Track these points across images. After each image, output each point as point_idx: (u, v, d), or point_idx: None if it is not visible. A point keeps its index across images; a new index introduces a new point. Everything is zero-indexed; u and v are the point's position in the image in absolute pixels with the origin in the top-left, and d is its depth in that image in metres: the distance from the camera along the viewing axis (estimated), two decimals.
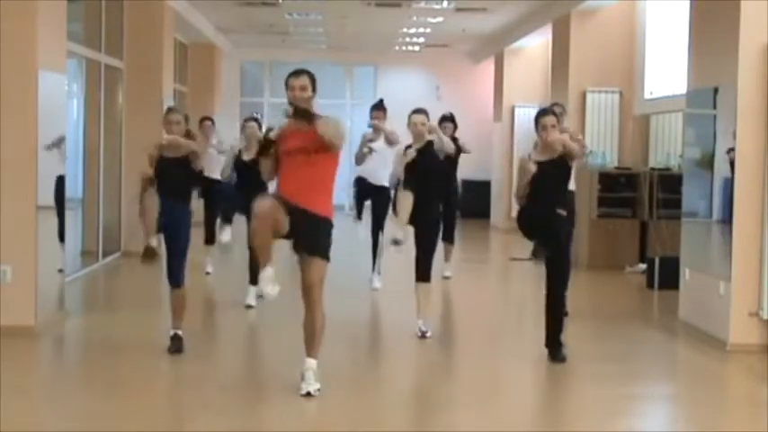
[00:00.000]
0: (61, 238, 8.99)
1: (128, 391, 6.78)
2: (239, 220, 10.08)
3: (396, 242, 8.70)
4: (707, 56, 9.04)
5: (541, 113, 7.82)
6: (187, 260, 7.83)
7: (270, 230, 6.37)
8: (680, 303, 9.34)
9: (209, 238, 12.03)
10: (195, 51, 19.44)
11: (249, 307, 9.71)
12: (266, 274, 6.42)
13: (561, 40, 14.74)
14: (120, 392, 6.70)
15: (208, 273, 12.05)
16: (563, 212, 7.74)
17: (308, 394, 6.39)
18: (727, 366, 7.98)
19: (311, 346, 6.50)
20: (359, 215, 11.45)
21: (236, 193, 10.07)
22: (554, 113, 7.86)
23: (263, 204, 6.38)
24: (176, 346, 7.68)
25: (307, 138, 6.45)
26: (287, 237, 6.48)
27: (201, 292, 10.82)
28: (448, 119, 11.88)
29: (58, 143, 8.85)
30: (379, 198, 10.98)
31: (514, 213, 8.20)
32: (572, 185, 9.29)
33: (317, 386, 6.45)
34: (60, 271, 9.01)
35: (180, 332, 7.75)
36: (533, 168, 7.59)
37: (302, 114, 6.48)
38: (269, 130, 6.71)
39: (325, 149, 6.46)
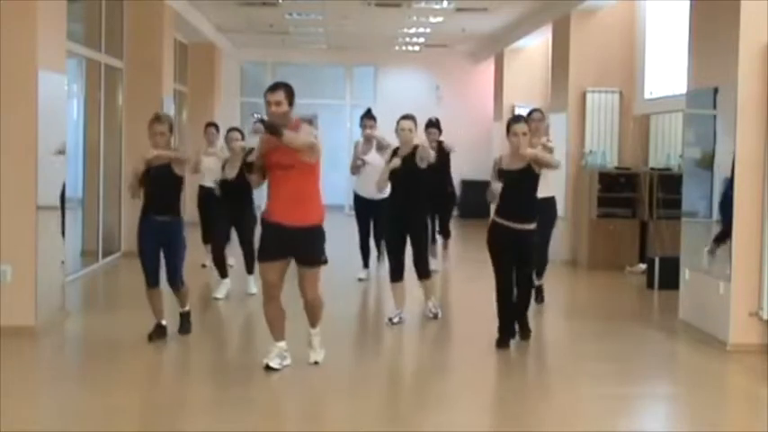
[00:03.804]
0: (62, 234, 9.02)
1: (128, 390, 6.79)
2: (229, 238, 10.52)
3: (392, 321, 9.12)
4: (707, 56, 9.04)
5: (514, 120, 8.08)
6: (184, 264, 8.08)
7: (279, 303, 7.02)
8: (680, 303, 9.35)
9: (206, 238, 12.18)
10: (195, 51, 19.43)
11: (216, 299, 10.21)
12: (278, 349, 7.09)
13: (561, 40, 14.73)
14: (120, 392, 6.70)
15: (204, 266, 12.15)
16: (531, 226, 7.98)
17: (316, 363, 7.09)
18: (727, 366, 7.98)
19: (313, 320, 7.22)
20: (365, 263, 11.66)
21: (224, 219, 10.21)
22: (526, 122, 8.11)
23: (270, 281, 6.96)
24: (185, 325, 8.02)
25: (284, 152, 6.75)
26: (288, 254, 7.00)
27: (199, 287, 10.84)
28: (433, 124, 12.02)
29: (61, 150, 8.86)
30: (379, 210, 11.03)
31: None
32: (551, 191, 9.48)
33: (323, 354, 7.23)
34: (62, 263, 8.99)
35: (187, 308, 8.17)
36: (497, 189, 7.97)
37: (270, 129, 6.72)
38: (248, 152, 7.01)
39: (302, 161, 6.78)
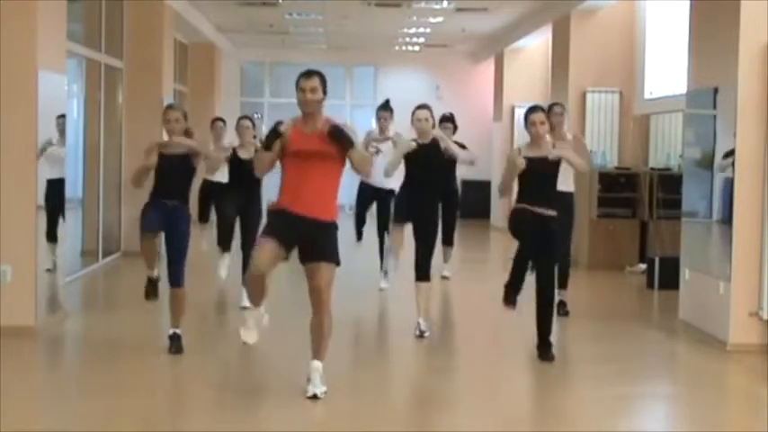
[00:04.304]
0: (54, 238, 8.89)
1: (128, 391, 6.78)
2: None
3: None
4: (707, 56, 9.04)
5: (531, 110, 7.85)
6: (187, 260, 7.83)
7: (265, 280, 6.43)
8: (680, 303, 9.35)
9: (203, 218, 12.17)
10: (195, 51, 19.44)
11: (244, 308, 9.73)
12: (255, 314, 6.62)
13: (561, 40, 14.74)
14: (120, 392, 6.69)
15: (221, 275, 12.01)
16: (553, 213, 7.77)
17: (315, 396, 6.36)
18: (727, 366, 7.98)
19: (318, 349, 6.46)
20: (359, 236, 11.50)
21: (232, 206, 9.98)
22: (543, 110, 7.90)
23: (261, 256, 6.33)
24: (176, 346, 7.69)
25: (323, 143, 6.33)
26: (292, 247, 6.45)
27: (208, 292, 10.79)
28: (448, 119, 11.72)
29: (43, 149, 8.63)
30: (384, 200, 10.98)
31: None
32: (570, 186, 9.34)
33: (324, 389, 6.41)
34: (48, 270, 8.81)
35: (179, 331, 7.75)
36: (522, 163, 7.58)
37: (338, 137, 6.31)
38: (278, 123, 6.47)
39: (337, 156, 6.36)
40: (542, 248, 7.73)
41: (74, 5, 10.39)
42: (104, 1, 12.84)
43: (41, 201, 8.62)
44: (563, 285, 9.73)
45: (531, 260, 7.91)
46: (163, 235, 7.78)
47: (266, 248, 6.33)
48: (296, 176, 6.37)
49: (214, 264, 10.65)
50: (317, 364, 6.44)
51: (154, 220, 7.67)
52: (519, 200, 7.85)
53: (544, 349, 7.77)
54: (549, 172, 7.75)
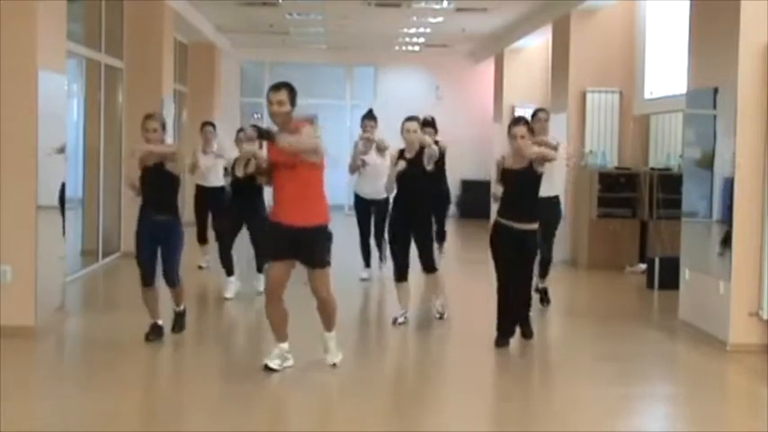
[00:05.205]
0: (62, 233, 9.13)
1: (127, 390, 6.79)
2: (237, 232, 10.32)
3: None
4: (707, 56, 9.04)
5: (514, 122, 8.12)
6: (181, 262, 8.11)
7: (282, 303, 6.97)
8: (680, 303, 9.35)
9: (202, 239, 12.33)
10: (195, 51, 19.42)
11: (226, 299, 10.17)
12: (281, 347, 7.08)
13: (561, 40, 14.73)
14: (120, 392, 6.69)
15: (201, 267, 12.14)
16: (534, 226, 8.00)
17: (334, 366, 7.08)
18: (727, 366, 7.98)
19: (328, 323, 7.16)
20: (367, 262, 11.65)
21: (232, 214, 10.12)
22: (526, 123, 8.10)
23: (273, 280, 6.94)
24: (179, 324, 7.99)
25: (283, 152, 6.73)
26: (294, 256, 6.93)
27: (197, 288, 10.83)
28: (429, 123, 11.63)
29: (61, 149, 8.88)
30: (379, 210, 11.05)
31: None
32: (556, 190, 9.51)
33: (340, 356, 7.21)
34: (61, 258, 9.06)
35: (182, 308, 8.15)
36: (498, 192, 8.04)
37: (263, 135, 6.80)
38: (248, 161, 7.17)
39: (306, 160, 6.74)
40: (519, 258, 8.00)
41: (74, 5, 10.39)
42: (104, 1, 12.84)
43: (51, 199, 8.77)
44: (543, 275, 9.96)
45: (506, 275, 8.12)
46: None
47: (275, 272, 6.93)
48: (280, 186, 6.87)
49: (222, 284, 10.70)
50: (330, 335, 7.18)
51: (146, 256, 7.94)
52: (500, 213, 8.02)
53: (524, 329, 8.22)
54: (529, 184, 7.95)
